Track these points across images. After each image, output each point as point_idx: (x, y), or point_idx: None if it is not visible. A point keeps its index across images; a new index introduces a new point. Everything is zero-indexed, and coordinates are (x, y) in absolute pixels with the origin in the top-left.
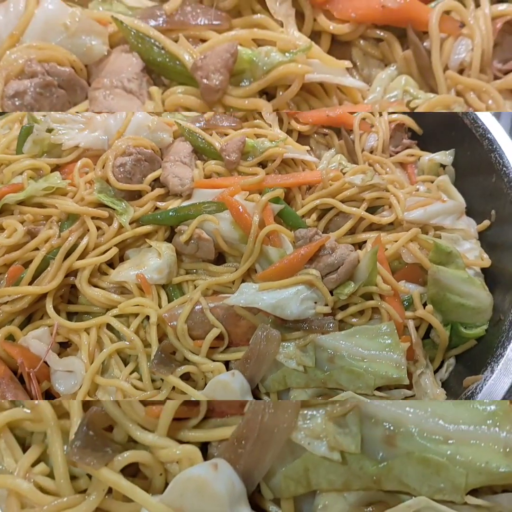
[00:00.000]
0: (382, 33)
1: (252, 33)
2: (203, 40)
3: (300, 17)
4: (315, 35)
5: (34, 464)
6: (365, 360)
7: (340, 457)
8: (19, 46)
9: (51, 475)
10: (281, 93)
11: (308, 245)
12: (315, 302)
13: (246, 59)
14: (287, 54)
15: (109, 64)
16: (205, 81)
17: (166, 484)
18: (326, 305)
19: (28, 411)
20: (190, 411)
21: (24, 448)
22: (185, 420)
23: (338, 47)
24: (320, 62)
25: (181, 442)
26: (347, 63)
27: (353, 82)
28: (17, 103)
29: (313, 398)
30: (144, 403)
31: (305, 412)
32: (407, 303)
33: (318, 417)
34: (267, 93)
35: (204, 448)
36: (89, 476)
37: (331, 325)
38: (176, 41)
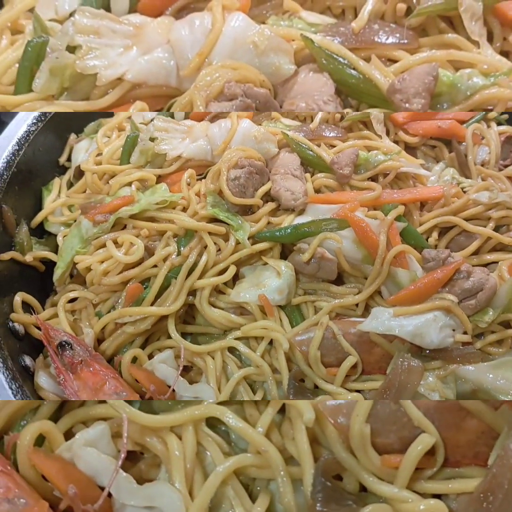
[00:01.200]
0: None
1: (450, 54)
2: (391, 60)
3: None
4: (503, 56)
5: None
6: None
7: None
8: (213, 66)
9: None
10: None
11: (443, 268)
12: (453, 330)
13: (446, 82)
14: (489, 78)
15: (298, 85)
16: (406, 105)
17: None
18: (465, 333)
19: (254, 457)
20: (425, 460)
21: (248, 495)
22: (420, 470)
23: None
24: None
25: (417, 493)
26: None
27: None
28: None
29: None
30: (378, 452)
31: None
32: None
33: None
34: None
35: None
36: None
37: (473, 355)
38: (364, 60)
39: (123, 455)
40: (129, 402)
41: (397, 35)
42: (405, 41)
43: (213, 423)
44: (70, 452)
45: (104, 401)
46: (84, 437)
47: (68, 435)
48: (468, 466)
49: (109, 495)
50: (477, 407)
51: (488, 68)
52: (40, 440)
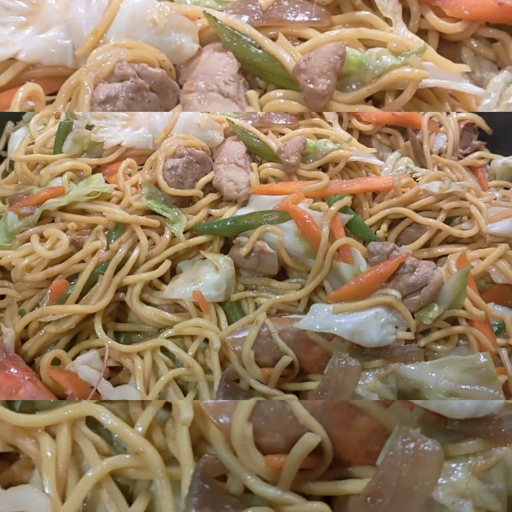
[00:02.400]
0: (496, 33)
1: (360, 32)
2: (301, 39)
3: (404, 14)
4: (421, 34)
5: None
6: (457, 395)
7: None
8: (106, 45)
9: None
10: (390, 98)
11: (387, 262)
12: (396, 327)
13: (354, 61)
14: (400, 57)
15: (200, 65)
16: (310, 85)
17: None
18: (408, 330)
19: (132, 458)
20: (313, 460)
21: (127, 497)
22: (307, 471)
23: (446, 47)
24: (434, 65)
25: (303, 495)
26: (465, 67)
27: (472, 88)
28: (108, 109)
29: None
30: (263, 452)
31: (445, 465)
32: (497, 329)
33: (459, 471)
34: (372, 98)
35: (326, 501)
36: None
37: (416, 353)
38: (273, 39)
39: None
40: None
41: (308, 12)
42: (316, 18)
43: (96, 422)
44: None
45: None
46: None
47: None
48: (360, 465)
49: None
50: (367, 404)
51: (397, 47)
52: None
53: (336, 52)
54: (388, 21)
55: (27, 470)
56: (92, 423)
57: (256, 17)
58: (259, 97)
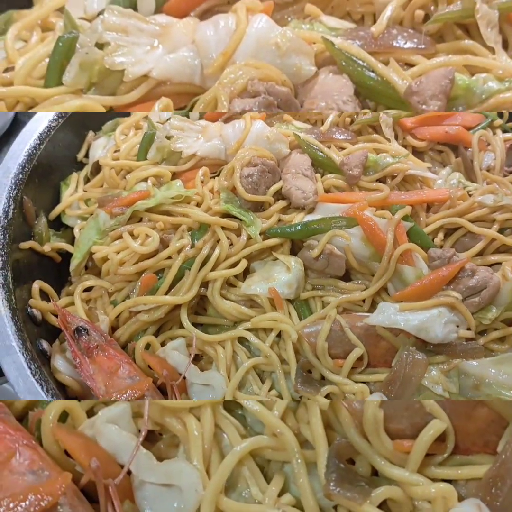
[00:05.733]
0: None
1: (466, 59)
2: (408, 64)
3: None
4: None
5: (279, 495)
6: None
7: None
8: (238, 64)
9: (297, 506)
10: None
11: (448, 266)
12: (457, 326)
13: (462, 86)
14: (504, 82)
15: (318, 85)
16: (423, 107)
17: None
18: (468, 329)
19: (270, 439)
20: (436, 447)
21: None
22: (431, 456)
23: None
24: None
25: (427, 478)
26: None
27: None
28: None
29: None
30: (391, 436)
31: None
32: None
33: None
34: None
35: None
36: (335, 508)
37: (477, 350)
38: (383, 64)
39: (144, 432)
40: None
41: (415, 40)
42: (423, 46)
43: (230, 407)
44: (92, 429)
45: None
46: (106, 415)
47: (90, 415)
48: (477, 453)
49: (128, 473)
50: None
51: (503, 73)
52: (63, 417)
53: (447, 76)
54: (489, 50)
55: (172, 447)
56: (226, 408)
57: (368, 43)
58: None
